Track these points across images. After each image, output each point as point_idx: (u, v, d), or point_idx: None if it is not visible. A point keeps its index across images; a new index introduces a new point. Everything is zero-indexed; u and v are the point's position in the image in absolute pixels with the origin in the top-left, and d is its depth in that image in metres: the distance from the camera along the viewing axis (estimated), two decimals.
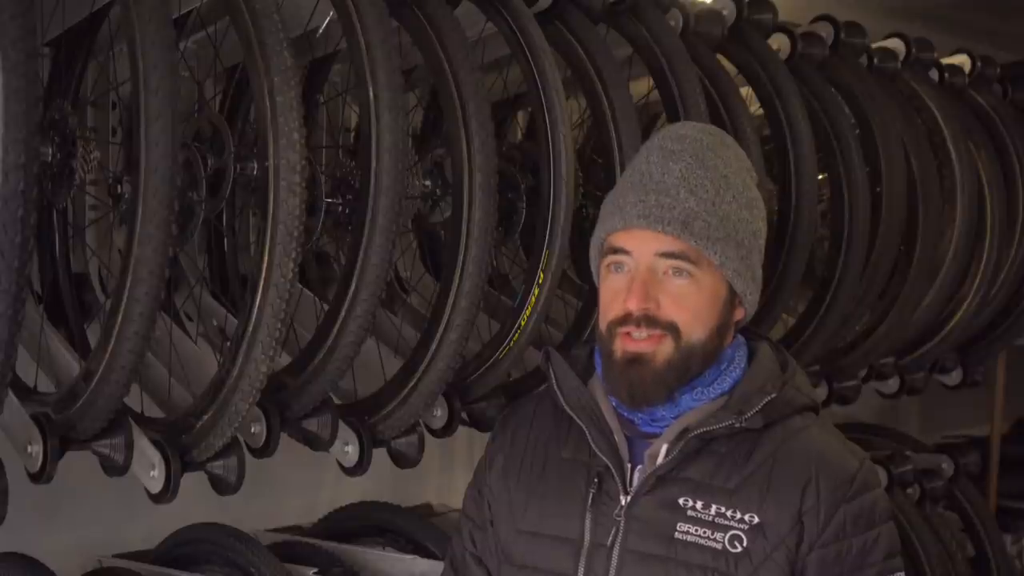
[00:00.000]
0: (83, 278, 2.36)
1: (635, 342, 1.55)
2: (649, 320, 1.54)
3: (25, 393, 2.03)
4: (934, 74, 3.52)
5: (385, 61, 2.01)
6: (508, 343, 2.36)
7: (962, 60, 3.69)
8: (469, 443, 3.37)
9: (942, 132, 3.33)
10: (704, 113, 2.52)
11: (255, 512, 2.75)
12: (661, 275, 1.55)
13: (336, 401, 2.28)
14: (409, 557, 2.55)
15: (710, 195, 1.55)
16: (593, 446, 1.61)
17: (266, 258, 1.87)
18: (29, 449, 1.92)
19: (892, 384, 3.62)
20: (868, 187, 2.95)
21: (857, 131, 3.02)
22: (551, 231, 2.28)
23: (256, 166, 1.99)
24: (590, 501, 1.60)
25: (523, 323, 2.32)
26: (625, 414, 1.64)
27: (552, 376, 1.67)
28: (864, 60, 3.24)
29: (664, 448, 1.58)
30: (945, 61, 3.61)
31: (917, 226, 3.12)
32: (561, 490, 1.64)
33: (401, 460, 2.35)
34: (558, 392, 1.65)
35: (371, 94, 2.01)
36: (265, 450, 2.15)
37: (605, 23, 2.58)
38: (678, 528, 1.55)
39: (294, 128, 1.86)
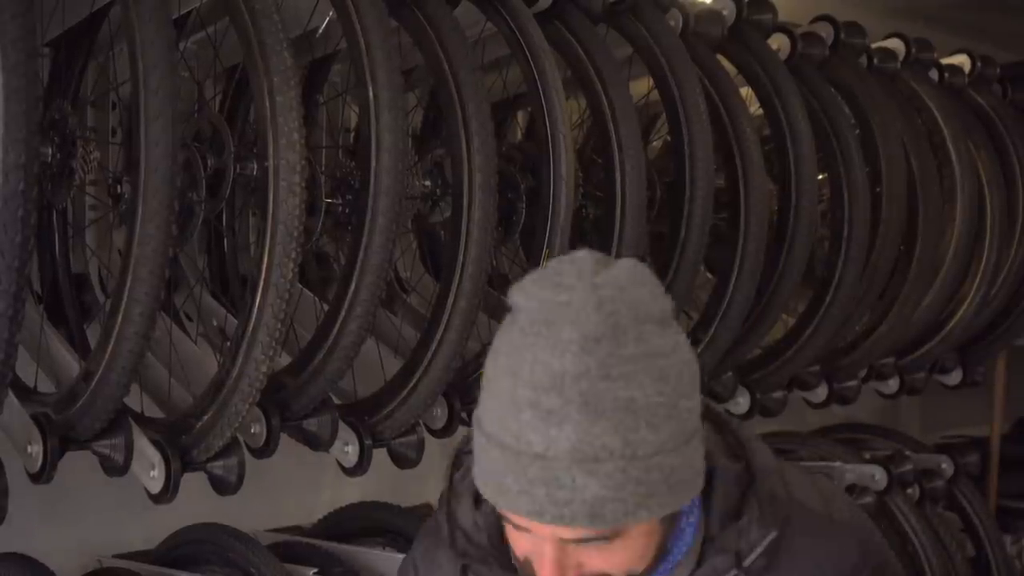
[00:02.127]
0: (83, 278, 2.36)
1: None
2: None
3: (25, 393, 2.03)
4: (934, 74, 3.52)
5: (385, 61, 2.01)
6: None
7: (962, 60, 3.69)
8: None
9: (942, 132, 3.33)
10: (704, 113, 2.52)
11: (255, 512, 2.75)
12: (575, 548, 1.24)
13: (336, 401, 2.28)
14: None
15: (616, 461, 1.15)
16: None
17: (266, 258, 1.87)
18: (29, 449, 1.92)
19: (892, 384, 3.62)
20: (868, 187, 2.95)
21: (857, 131, 3.02)
22: (551, 231, 2.28)
23: (256, 166, 1.99)
24: None
25: None
26: None
27: None
28: (864, 60, 3.24)
29: None
30: (945, 61, 3.61)
31: (917, 226, 3.13)
32: None
33: (401, 460, 2.35)
34: None
35: (371, 94, 2.00)
36: (265, 450, 2.15)
37: (605, 23, 2.58)
38: None
39: (294, 128, 1.86)
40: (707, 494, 1.32)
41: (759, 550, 1.30)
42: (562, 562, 1.23)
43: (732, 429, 1.38)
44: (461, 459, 1.43)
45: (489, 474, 1.22)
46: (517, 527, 1.25)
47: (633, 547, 1.25)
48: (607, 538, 1.22)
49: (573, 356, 1.14)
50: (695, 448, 1.23)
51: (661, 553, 1.30)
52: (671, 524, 1.30)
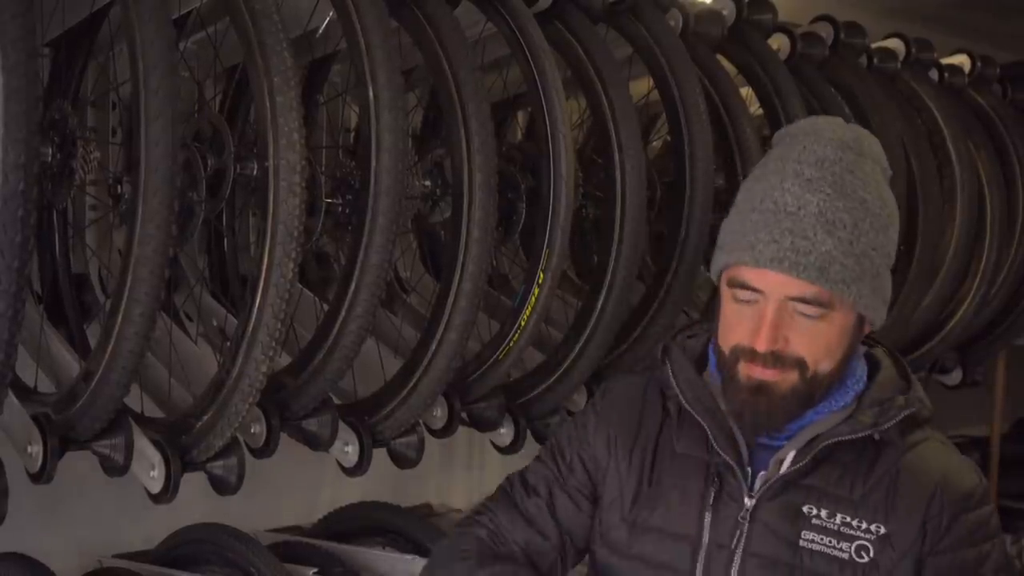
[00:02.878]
0: (83, 278, 2.36)
1: (761, 370, 1.53)
2: (776, 357, 1.52)
3: (25, 393, 2.03)
4: (934, 74, 3.52)
5: (385, 61, 2.01)
6: (508, 343, 2.36)
7: (962, 60, 3.69)
8: (469, 443, 3.38)
9: (942, 132, 3.33)
10: (704, 113, 2.52)
11: (255, 512, 2.75)
12: (791, 314, 1.51)
13: (336, 401, 2.28)
14: (409, 557, 2.54)
15: (848, 232, 1.50)
16: (715, 444, 1.58)
17: (266, 258, 1.87)
18: (29, 449, 1.93)
19: None
20: None
21: None
22: (551, 231, 2.28)
23: (256, 166, 1.99)
24: (711, 500, 1.58)
25: (523, 323, 2.33)
26: None
27: (669, 372, 1.64)
28: (864, 60, 3.24)
29: (791, 454, 1.57)
30: (945, 61, 3.61)
31: (917, 226, 3.12)
32: (676, 485, 1.62)
33: (401, 460, 2.35)
34: (676, 387, 1.62)
35: (371, 94, 2.01)
36: (265, 450, 2.15)
37: (605, 23, 2.58)
38: (803, 536, 1.55)
39: (294, 128, 1.86)
40: (871, 379, 1.62)
41: (895, 420, 1.57)
42: (778, 326, 1.50)
43: (900, 359, 1.68)
44: (693, 326, 1.75)
45: (741, 238, 1.52)
46: (747, 288, 1.51)
47: (829, 335, 1.52)
48: (823, 305, 1.50)
49: (833, 149, 1.53)
50: (888, 279, 1.56)
51: (827, 392, 1.57)
52: (846, 365, 1.58)
